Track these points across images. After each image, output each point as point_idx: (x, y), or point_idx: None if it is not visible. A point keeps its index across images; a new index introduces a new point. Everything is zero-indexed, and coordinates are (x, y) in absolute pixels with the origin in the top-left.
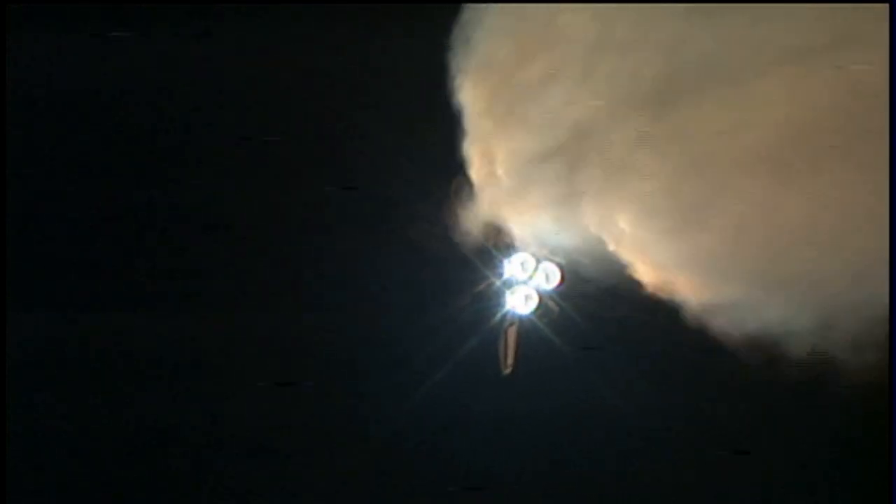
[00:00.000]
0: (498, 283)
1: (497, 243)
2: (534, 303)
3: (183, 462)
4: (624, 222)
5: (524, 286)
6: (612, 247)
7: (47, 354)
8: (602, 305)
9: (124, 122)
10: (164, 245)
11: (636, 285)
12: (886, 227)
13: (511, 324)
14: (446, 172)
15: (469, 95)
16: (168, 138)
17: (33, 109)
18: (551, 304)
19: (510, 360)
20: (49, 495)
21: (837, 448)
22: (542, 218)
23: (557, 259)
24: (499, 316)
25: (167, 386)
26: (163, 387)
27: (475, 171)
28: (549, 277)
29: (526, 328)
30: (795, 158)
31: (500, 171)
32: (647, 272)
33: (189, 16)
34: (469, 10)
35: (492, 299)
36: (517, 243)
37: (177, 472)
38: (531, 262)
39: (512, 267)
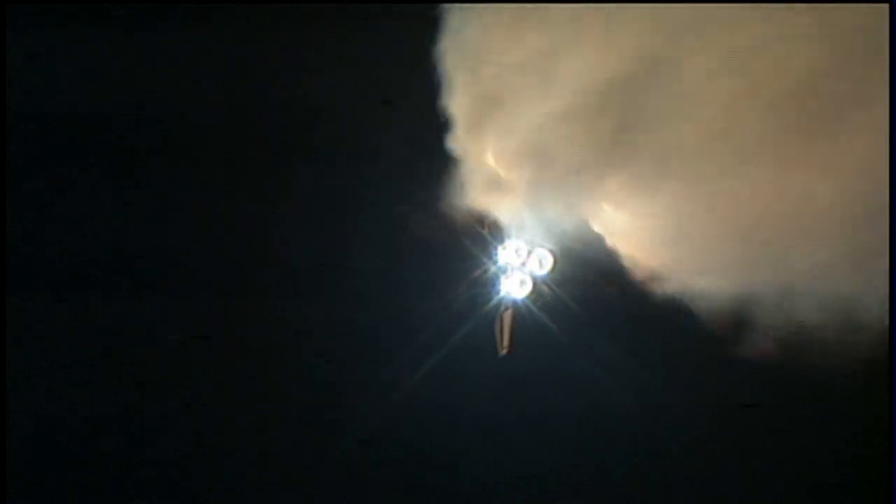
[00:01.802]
0: (493, 269)
1: (490, 231)
2: (528, 288)
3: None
4: (614, 208)
5: (518, 272)
6: (602, 232)
7: (46, 340)
8: (594, 289)
9: (124, 122)
10: (153, 233)
11: (627, 270)
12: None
13: (506, 308)
14: (438, 160)
15: (459, 81)
16: (165, 136)
17: (33, 109)
18: (545, 288)
19: (506, 343)
20: (49, 485)
21: (836, 443)
22: (533, 205)
23: (550, 245)
24: (494, 300)
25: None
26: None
27: (466, 159)
28: (543, 263)
29: (521, 312)
30: (789, 146)
31: (490, 159)
32: (638, 257)
33: (190, 16)
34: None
35: (487, 285)
36: (510, 230)
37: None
38: (524, 249)
39: (506, 253)
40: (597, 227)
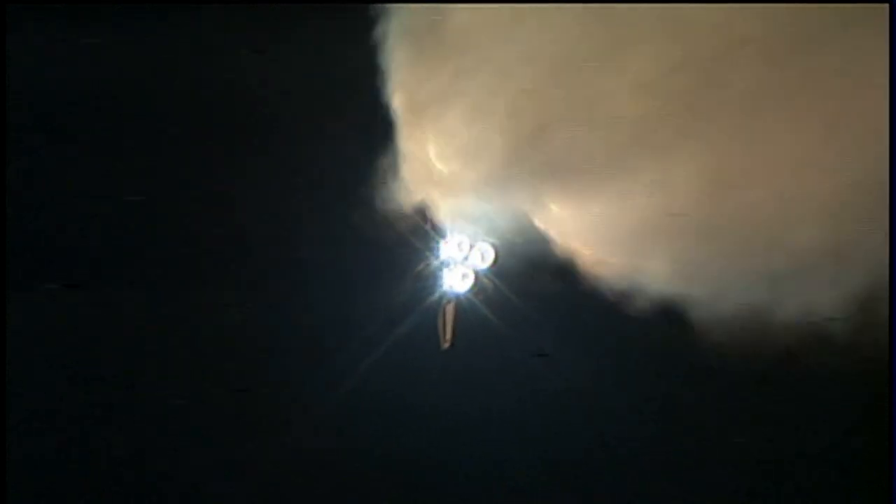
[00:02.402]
0: (435, 263)
1: (432, 225)
2: (470, 281)
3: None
4: (553, 202)
5: (461, 266)
6: (542, 226)
7: (46, 334)
8: (533, 282)
9: (124, 121)
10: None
11: (567, 262)
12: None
13: (449, 301)
14: (381, 157)
15: (401, 80)
16: (169, 138)
17: (33, 109)
18: (486, 281)
19: (448, 336)
20: (50, 481)
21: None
22: (475, 200)
23: (491, 240)
24: (437, 294)
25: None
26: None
27: (409, 156)
28: (484, 257)
29: (462, 305)
30: (731, 141)
31: (432, 155)
32: (578, 250)
33: (190, 15)
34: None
35: (430, 279)
36: (452, 225)
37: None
38: (467, 243)
39: (448, 248)
40: (537, 222)
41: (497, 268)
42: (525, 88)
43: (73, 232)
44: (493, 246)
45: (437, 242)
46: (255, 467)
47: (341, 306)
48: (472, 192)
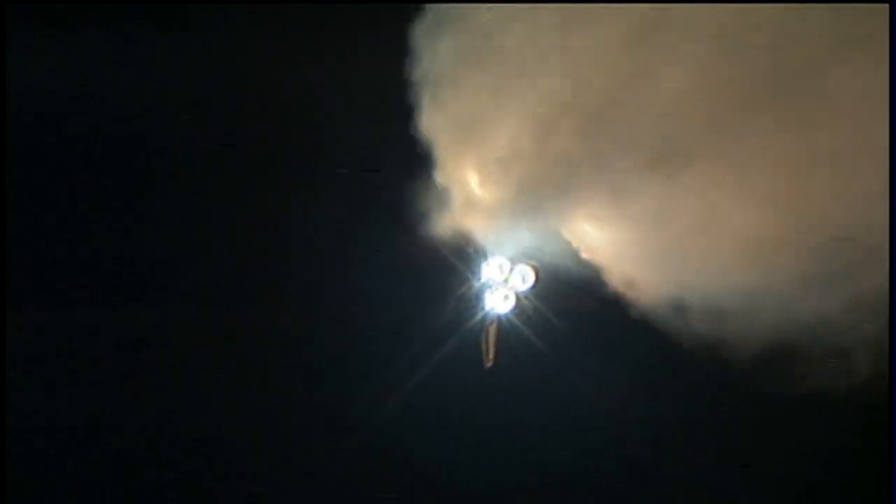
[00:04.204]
0: (477, 285)
1: (474, 248)
2: (511, 302)
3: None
4: (591, 223)
5: (502, 287)
6: (581, 249)
7: (46, 352)
8: (574, 302)
9: (124, 122)
10: (155, 242)
11: (605, 282)
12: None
13: (491, 322)
14: (423, 181)
15: (438, 102)
16: (165, 138)
17: (33, 109)
18: (527, 302)
19: (491, 355)
20: (49, 493)
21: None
22: (514, 222)
23: (532, 261)
24: (480, 315)
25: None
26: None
27: (447, 178)
28: (525, 278)
29: (504, 326)
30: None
31: (472, 179)
32: (616, 270)
33: (189, 17)
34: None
35: (472, 300)
36: (492, 247)
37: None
38: (507, 265)
39: (490, 270)
40: (576, 243)
41: (537, 289)
42: (566, 110)
43: (81, 241)
44: (534, 267)
45: (479, 265)
46: (303, 481)
47: (388, 326)
48: (511, 215)
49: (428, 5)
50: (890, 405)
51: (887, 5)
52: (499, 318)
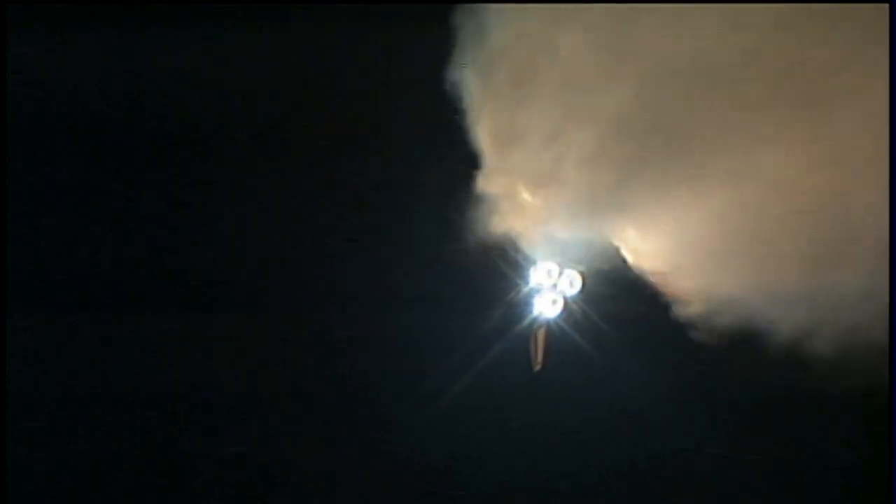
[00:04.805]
0: (526, 289)
1: (523, 254)
2: (559, 307)
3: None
4: (638, 230)
5: (550, 292)
6: (628, 254)
7: (47, 357)
8: (621, 308)
9: (124, 122)
10: (166, 246)
11: (652, 287)
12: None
13: (540, 326)
14: (472, 187)
15: (486, 105)
16: (169, 138)
17: (33, 109)
18: (575, 307)
19: (540, 359)
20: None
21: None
22: (563, 228)
23: (580, 266)
24: (528, 319)
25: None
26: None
27: (497, 185)
28: (573, 283)
29: (553, 330)
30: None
31: (520, 184)
32: (663, 276)
33: (190, 15)
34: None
35: (521, 304)
36: (541, 252)
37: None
38: (555, 270)
39: (538, 274)
40: (623, 248)
41: (585, 293)
42: (610, 117)
43: (85, 243)
44: (581, 273)
45: (528, 270)
46: (351, 480)
47: (439, 330)
48: (559, 220)
49: (474, 5)
50: (890, 405)
51: (887, 5)
52: (547, 322)
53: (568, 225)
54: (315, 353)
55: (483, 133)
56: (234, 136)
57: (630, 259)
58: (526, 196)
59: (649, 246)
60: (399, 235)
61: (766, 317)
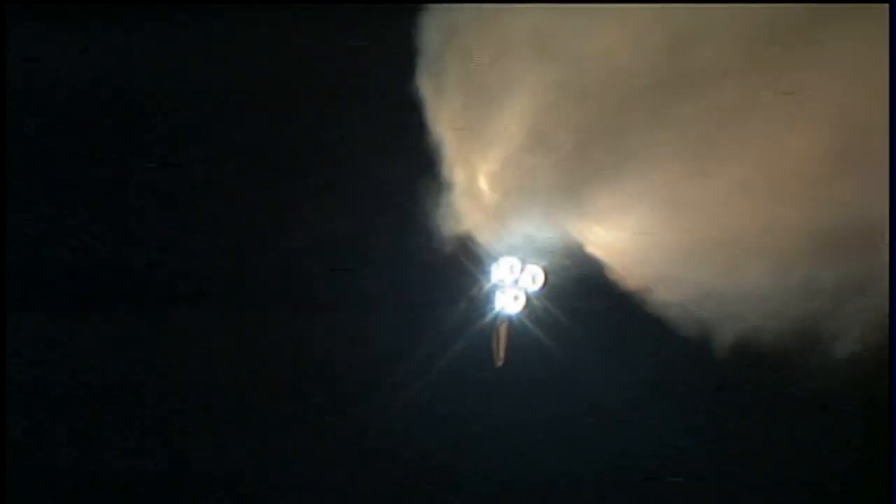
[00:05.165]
0: (488, 285)
1: (484, 250)
2: (521, 302)
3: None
4: (599, 225)
5: (512, 288)
6: (590, 249)
7: (47, 356)
8: (583, 302)
9: (124, 122)
10: (163, 245)
11: (612, 282)
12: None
13: (502, 322)
14: (434, 184)
15: (447, 105)
16: (164, 136)
17: (33, 108)
18: (537, 303)
19: (502, 354)
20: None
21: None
22: (524, 224)
23: (542, 262)
24: (491, 315)
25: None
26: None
27: (459, 182)
28: (535, 279)
29: (515, 326)
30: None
31: (482, 181)
32: (624, 271)
33: (187, 16)
34: (446, 14)
35: (483, 300)
36: (503, 248)
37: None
38: (517, 266)
39: (500, 270)
40: (585, 244)
41: (547, 289)
42: (570, 112)
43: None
44: (543, 268)
45: (490, 266)
46: (314, 478)
47: (403, 327)
48: (520, 217)
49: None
50: (890, 405)
51: (887, 5)
52: (509, 318)
53: (530, 220)
54: (280, 350)
55: (443, 127)
56: (203, 135)
57: (592, 255)
58: (487, 190)
59: (611, 241)
60: (361, 232)
61: (730, 310)
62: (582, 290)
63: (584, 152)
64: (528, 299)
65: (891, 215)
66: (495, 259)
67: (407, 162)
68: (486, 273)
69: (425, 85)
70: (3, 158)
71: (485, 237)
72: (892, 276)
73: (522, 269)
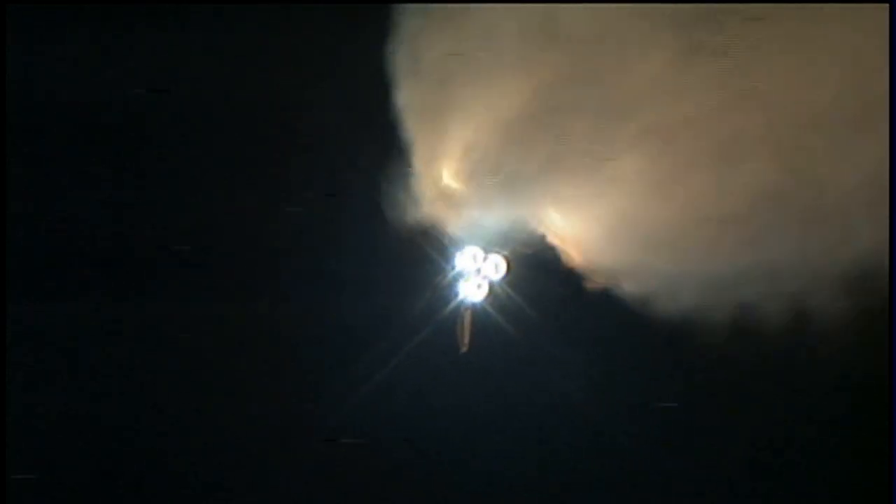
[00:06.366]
0: (452, 274)
1: (448, 238)
2: (484, 291)
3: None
4: (561, 212)
5: (475, 276)
6: (552, 238)
7: (47, 343)
8: (546, 291)
9: (123, 122)
10: (153, 240)
11: (574, 269)
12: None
13: (466, 309)
14: (397, 174)
15: (411, 96)
16: (163, 138)
17: (33, 108)
18: (500, 291)
19: (466, 341)
20: (49, 487)
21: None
22: (487, 213)
23: (504, 251)
24: (454, 303)
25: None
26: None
27: (422, 172)
28: (498, 267)
29: (478, 313)
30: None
31: (444, 170)
32: (586, 259)
33: (187, 18)
34: (409, 12)
35: (447, 289)
36: (466, 237)
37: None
38: (481, 255)
39: (463, 259)
40: (547, 232)
41: (510, 277)
42: (533, 100)
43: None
44: (506, 257)
45: (453, 255)
46: (280, 466)
47: (366, 315)
48: (484, 206)
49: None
50: (890, 405)
51: (887, 5)
52: (473, 305)
53: (492, 210)
54: (244, 337)
55: (408, 117)
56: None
57: (554, 243)
58: (450, 180)
59: (574, 230)
60: (326, 220)
61: (694, 295)
62: (544, 278)
63: (545, 141)
64: (492, 287)
65: (891, 215)
66: (459, 248)
67: (371, 151)
68: (450, 262)
69: (393, 73)
70: (3, 157)
71: (448, 226)
72: (893, 276)
73: (486, 258)
